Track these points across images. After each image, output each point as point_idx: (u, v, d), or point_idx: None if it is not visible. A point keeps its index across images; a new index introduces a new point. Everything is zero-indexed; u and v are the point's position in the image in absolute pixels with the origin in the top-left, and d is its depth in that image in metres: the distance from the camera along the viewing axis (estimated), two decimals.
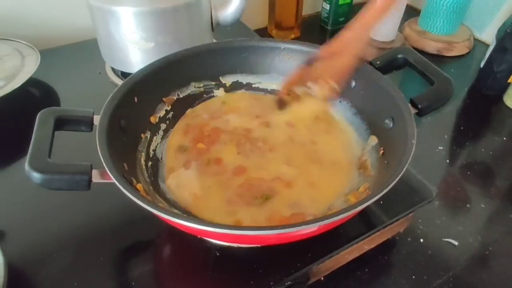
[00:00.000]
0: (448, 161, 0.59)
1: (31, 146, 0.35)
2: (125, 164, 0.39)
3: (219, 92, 0.56)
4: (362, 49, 0.44)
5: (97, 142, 0.36)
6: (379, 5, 0.42)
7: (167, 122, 0.51)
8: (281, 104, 0.51)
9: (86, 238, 0.43)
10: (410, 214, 0.44)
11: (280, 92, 0.50)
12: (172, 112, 0.51)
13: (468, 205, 0.52)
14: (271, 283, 0.38)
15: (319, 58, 0.45)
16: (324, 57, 0.45)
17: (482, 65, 0.73)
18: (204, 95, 0.55)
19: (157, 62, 0.48)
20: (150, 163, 0.45)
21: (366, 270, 0.44)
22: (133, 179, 0.39)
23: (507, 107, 0.69)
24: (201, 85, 0.54)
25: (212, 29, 0.67)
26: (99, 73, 0.69)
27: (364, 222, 0.43)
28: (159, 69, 0.48)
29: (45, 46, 0.72)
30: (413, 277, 0.44)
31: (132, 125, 0.44)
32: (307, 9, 0.98)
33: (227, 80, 0.55)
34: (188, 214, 0.41)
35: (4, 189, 0.50)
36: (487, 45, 0.77)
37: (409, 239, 0.47)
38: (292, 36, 0.90)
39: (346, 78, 0.46)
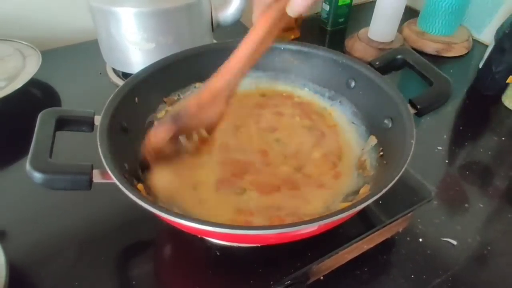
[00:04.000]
0: (447, 161, 0.59)
1: (32, 146, 0.35)
2: (126, 164, 0.39)
3: None
4: (234, 92, 0.41)
5: (98, 142, 0.36)
6: (253, 37, 0.36)
7: None
8: (144, 167, 0.42)
9: (87, 238, 0.44)
10: (409, 214, 0.45)
11: (145, 153, 0.41)
12: None
13: (466, 205, 0.53)
14: (271, 283, 0.38)
15: (189, 114, 0.40)
16: (194, 113, 0.40)
17: (480, 65, 0.74)
18: None
19: (158, 62, 0.48)
20: None
21: (366, 269, 0.44)
22: (134, 179, 0.39)
23: (506, 107, 0.70)
24: (202, 85, 0.54)
25: (213, 30, 0.67)
26: (100, 73, 0.70)
27: (364, 221, 0.43)
28: (160, 70, 0.48)
29: (46, 47, 0.72)
30: (412, 276, 0.44)
31: (133, 125, 0.44)
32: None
33: None
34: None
35: (6, 189, 0.50)
36: (486, 46, 0.78)
37: (408, 238, 0.47)
38: (292, 36, 0.90)
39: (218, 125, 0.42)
